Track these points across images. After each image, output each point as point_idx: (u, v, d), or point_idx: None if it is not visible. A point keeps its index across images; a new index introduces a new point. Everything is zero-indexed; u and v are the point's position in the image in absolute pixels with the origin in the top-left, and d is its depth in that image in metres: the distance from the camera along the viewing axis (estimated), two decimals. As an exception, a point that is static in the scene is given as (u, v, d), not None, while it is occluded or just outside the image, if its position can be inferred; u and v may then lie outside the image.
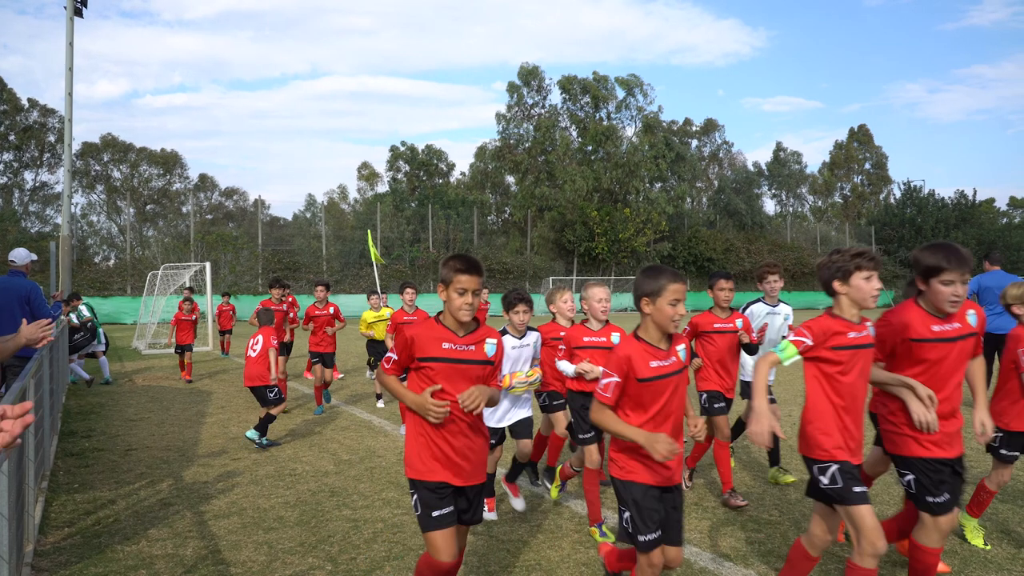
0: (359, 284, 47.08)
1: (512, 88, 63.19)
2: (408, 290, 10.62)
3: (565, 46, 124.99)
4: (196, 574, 4.93)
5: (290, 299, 13.79)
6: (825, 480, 3.83)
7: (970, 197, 71.55)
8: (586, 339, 5.80)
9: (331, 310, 11.68)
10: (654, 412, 3.77)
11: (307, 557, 5.21)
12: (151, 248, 48.05)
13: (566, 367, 5.73)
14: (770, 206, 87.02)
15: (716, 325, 6.80)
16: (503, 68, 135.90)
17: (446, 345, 3.72)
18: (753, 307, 7.44)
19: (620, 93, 62.50)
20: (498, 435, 6.11)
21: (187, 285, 23.61)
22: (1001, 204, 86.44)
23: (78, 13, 22.43)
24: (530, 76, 63.12)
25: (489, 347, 3.83)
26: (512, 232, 60.36)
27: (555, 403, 6.58)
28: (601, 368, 3.96)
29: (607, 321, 5.90)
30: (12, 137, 60.64)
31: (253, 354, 9.05)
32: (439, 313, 3.86)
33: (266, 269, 46.05)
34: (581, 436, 5.75)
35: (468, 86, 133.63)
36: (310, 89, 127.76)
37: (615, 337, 5.76)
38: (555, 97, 64.23)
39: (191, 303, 16.04)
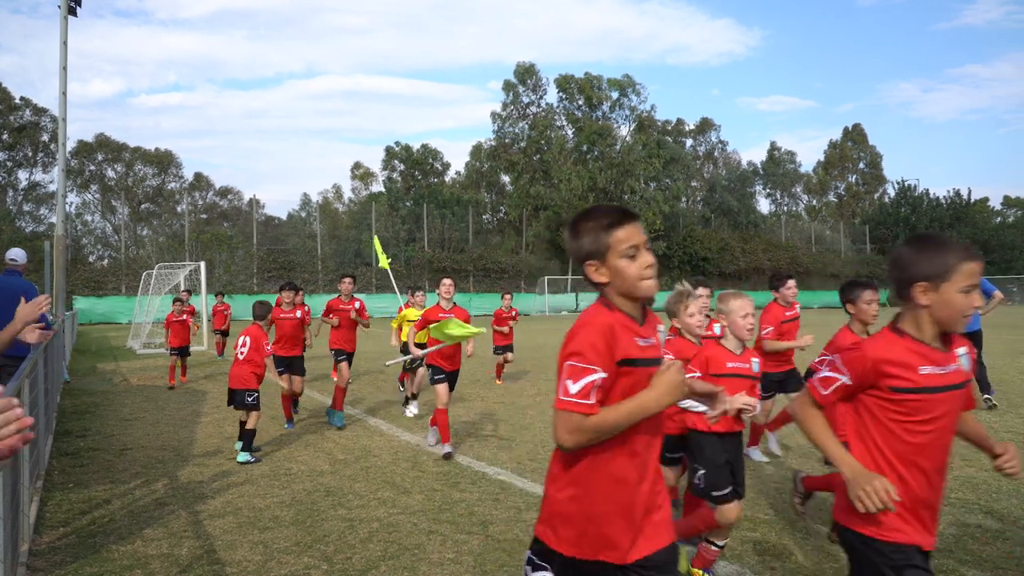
0: (355, 284, 46.96)
1: (508, 86, 63.21)
2: (443, 281, 9.23)
3: (559, 46, 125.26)
4: (191, 574, 4.92)
5: (305, 308, 11.46)
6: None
7: (964, 196, 71.78)
8: (730, 364, 4.57)
9: (356, 305, 10.67)
10: (918, 441, 2.75)
11: (302, 557, 5.20)
12: (146, 247, 48.02)
13: (693, 405, 4.49)
14: (765, 205, 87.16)
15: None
16: (497, 67, 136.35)
17: (638, 341, 2.55)
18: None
19: (614, 94, 62.54)
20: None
21: (183, 288, 23.34)
22: (995, 203, 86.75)
23: (72, 12, 22.32)
24: (526, 74, 63.13)
25: (661, 334, 2.81)
26: (507, 231, 60.40)
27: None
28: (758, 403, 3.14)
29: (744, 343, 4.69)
30: (6, 136, 60.43)
31: (241, 356, 8.42)
32: (601, 299, 2.60)
33: (261, 269, 46.01)
34: (716, 493, 4.51)
35: (462, 85, 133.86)
36: (305, 88, 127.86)
37: (755, 364, 4.66)
38: (551, 96, 64.27)
39: (182, 304, 15.63)
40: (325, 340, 11.88)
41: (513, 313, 14.83)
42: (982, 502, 6.20)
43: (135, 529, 5.80)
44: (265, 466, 7.88)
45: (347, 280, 10.81)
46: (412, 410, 10.83)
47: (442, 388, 8.23)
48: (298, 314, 10.24)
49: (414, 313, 11.34)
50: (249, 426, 8.13)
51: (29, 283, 8.05)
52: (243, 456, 7.98)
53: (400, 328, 12.28)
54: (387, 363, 10.60)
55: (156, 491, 6.94)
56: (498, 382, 14.27)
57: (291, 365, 10.12)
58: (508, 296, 15.48)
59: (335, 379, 13.17)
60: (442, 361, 8.30)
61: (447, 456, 7.95)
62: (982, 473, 7.12)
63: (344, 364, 10.56)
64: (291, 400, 10.23)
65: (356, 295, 11.07)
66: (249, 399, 8.20)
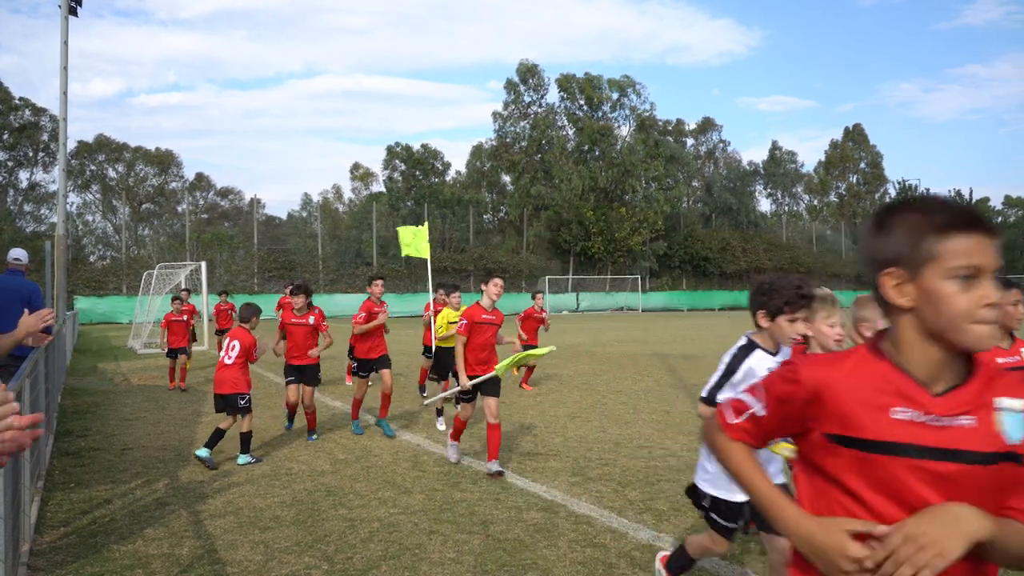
0: (355, 284, 47.03)
1: (510, 86, 63.19)
2: (494, 281, 8.22)
3: (559, 45, 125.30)
4: (192, 573, 4.92)
5: (317, 310, 10.07)
6: None
7: (965, 196, 71.70)
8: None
9: (385, 308, 9.81)
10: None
11: (303, 556, 5.20)
12: (146, 247, 48.02)
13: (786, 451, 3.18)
14: (766, 205, 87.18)
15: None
16: (497, 67, 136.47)
17: (907, 414, 1.63)
18: None
19: (614, 94, 62.56)
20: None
21: (183, 287, 23.05)
22: (996, 203, 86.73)
23: (73, 12, 22.36)
24: (528, 74, 63.11)
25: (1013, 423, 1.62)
26: (508, 231, 60.38)
27: None
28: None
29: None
30: (6, 136, 60.46)
31: (229, 360, 8.18)
32: (878, 337, 1.77)
33: (262, 268, 46.04)
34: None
35: (462, 85, 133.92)
36: (304, 88, 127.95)
37: None
38: (552, 96, 64.29)
39: (181, 302, 14.80)
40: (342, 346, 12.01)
41: (544, 315, 13.72)
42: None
43: (136, 529, 5.81)
44: (266, 466, 7.88)
45: (380, 282, 9.87)
46: (443, 425, 9.67)
47: (491, 401, 7.46)
48: (311, 320, 9.14)
49: (452, 315, 10.30)
50: (243, 429, 8.09)
51: (33, 283, 8.07)
52: (243, 459, 7.98)
53: (429, 329, 11.15)
54: (425, 402, 9.89)
55: (157, 491, 6.95)
56: (526, 387, 13.34)
57: (303, 374, 9.18)
58: (540, 296, 14.32)
59: (351, 383, 13.11)
60: (476, 368, 7.58)
61: (497, 474, 7.23)
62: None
63: (386, 371, 9.57)
64: (295, 409, 9.45)
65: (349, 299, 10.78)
66: (241, 402, 8.09)
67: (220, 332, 19.27)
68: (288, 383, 9.21)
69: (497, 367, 7.33)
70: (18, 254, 8.09)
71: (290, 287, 9.42)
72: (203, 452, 7.92)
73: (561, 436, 9.25)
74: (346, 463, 7.94)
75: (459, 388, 7.48)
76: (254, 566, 5.03)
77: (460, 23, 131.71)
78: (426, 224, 12.82)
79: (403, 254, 12.71)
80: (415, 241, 12.18)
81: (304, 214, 72.65)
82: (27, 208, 63.74)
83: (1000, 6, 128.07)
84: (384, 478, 7.29)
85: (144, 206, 70.42)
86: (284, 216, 73.70)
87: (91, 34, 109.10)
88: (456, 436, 7.75)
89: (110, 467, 7.88)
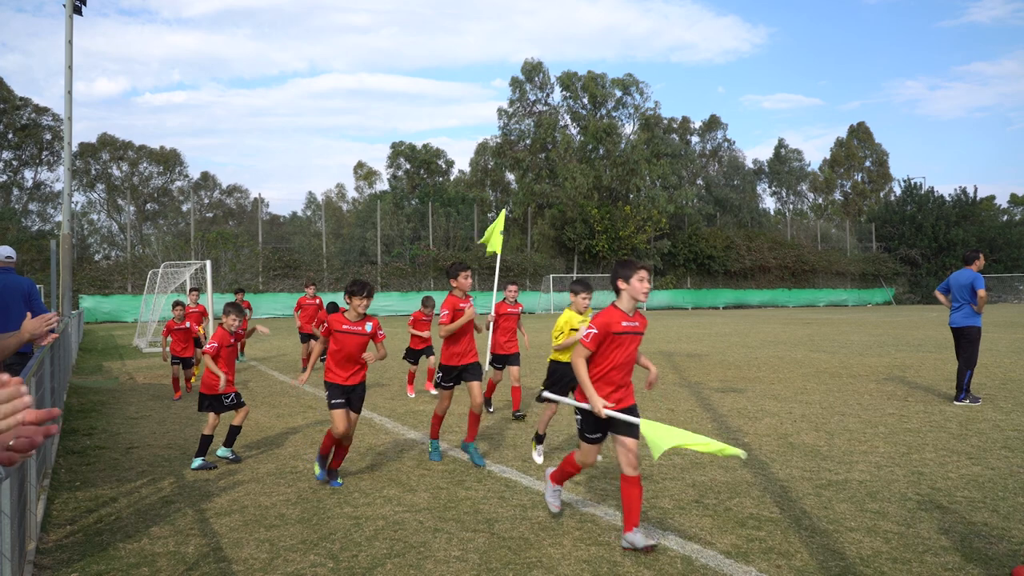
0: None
1: (515, 83, 63.17)
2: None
3: (563, 44, 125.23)
4: (198, 572, 4.93)
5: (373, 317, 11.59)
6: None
7: (970, 194, 71.54)
8: None
9: (471, 303, 8.26)
10: None
11: (308, 554, 5.21)
12: (151, 246, 48.08)
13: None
14: (770, 203, 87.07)
15: None
16: (501, 66, 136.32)
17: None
18: None
19: (617, 92, 62.52)
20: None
21: (192, 286, 22.13)
22: (1002, 201, 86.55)
23: (77, 11, 22.41)
24: (533, 72, 63.09)
25: None
26: (512, 229, 60.32)
27: None
28: None
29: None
30: (11, 136, 60.61)
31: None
32: None
33: (266, 267, 46.10)
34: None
35: (466, 84, 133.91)
36: (309, 87, 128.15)
37: None
38: (556, 94, 64.27)
39: (183, 308, 13.34)
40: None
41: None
42: (988, 500, 6.19)
43: (142, 527, 5.82)
44: (271, 464, 7.90)
45: (467, 272, 8.11)
46: (537, 457, 8.00)
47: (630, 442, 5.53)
48: (367, 328, 7.10)
49: (576, 318, 8.22)
50: (236, 422, 8.05)
51: (29, 280, 8.10)
52: (223, 451, 8.01)
53: (525, 335, 10.25)
54: (544, 393, 6.83)
55: (162, 489, 6.96)
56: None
57: (353, 396, 7.17)
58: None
59: (412, 395, 12.42)
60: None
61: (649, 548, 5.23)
62: (988, 471, 7.11)
63: (476, 384, 7.87)
64: (344, 448, 7.17)
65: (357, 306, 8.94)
66: (227, 401, 8.04)
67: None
68: (334, 407, 7.01)
69: (677, 442, 4.95)
70: (8, 252, 8.12)
71: (351, 284, 7.20)
72: (222, 451, 8.03)
73: (565, 434, 9.25)
74: (351, 461, 7.94)
75: (577, 406, 5.61)
76: (260, 564, 5.04)
77: (464, 21, 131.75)
78: (502, 213, 11.85)
79: (488, 252, 12.33)
80: (491, 233, 11.61)
81: (308, 213, 72.74)
82: (32, 207, 63.95)
83: (1007, 3, 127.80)
84: (389, 476, 7.30)
85: (148, 205, 70.58)
86: (288, 215, 73.87)
87: (95, 33, 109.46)
88: (562, 479, 5.92)
89: (116, 466, 7.90)
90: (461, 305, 7.92)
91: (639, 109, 63.35)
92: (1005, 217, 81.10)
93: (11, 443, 1.55)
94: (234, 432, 8.08)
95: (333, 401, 7.04)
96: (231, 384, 8.12)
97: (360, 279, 7.43)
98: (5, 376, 1.51)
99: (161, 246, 46.22)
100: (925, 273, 67.20)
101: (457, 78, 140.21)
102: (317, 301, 16.26)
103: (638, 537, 5.15)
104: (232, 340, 8.27)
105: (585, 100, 62.78)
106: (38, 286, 8.20)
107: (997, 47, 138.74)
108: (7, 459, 1.54)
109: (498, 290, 10.35)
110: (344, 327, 7.05)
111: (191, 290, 16.88)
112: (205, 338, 14.19)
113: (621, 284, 5.47)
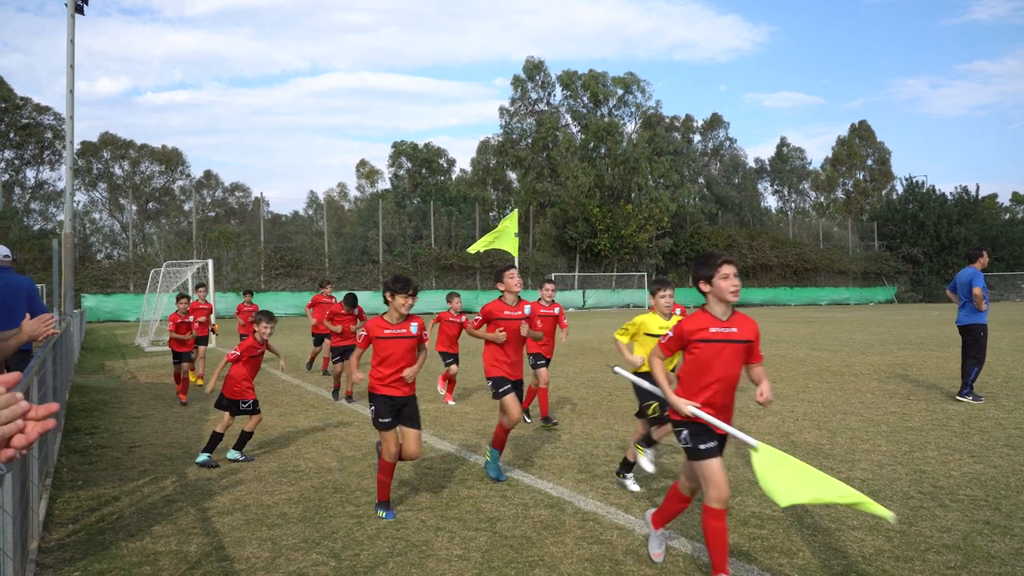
0: (361, 281, 47.08)
1: (517, 82, 63.16)
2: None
3: (564, 42, 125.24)
4: (200, 570, 4.93)
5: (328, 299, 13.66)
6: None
7: (972, 193, 71.44)
8: None
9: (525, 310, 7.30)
10: None
11: (310, 553, 5.21)
12: (153, 245, 48.13)
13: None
14: (772, 202, 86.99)
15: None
16: (503, 65, 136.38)
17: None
18: None
19: (618, 91, 62.49)
20: None
21: (193, 284, 20.94)
22: (1004, 200, 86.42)
23: (79, 10, 22.42)
24: (535, 71, 63.08)
25: None
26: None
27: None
28: None
29: None
30: (12, 135, 60.66)
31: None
32: None
33: (268, 266, 46.13)
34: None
35: (467, 83, 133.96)
36: (310, 86, 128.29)
37: None
38: (558, 93, 64.25)
39: (187, 301, 12.96)
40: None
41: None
42: (990, 499, 6.18)
43: (144, 526, 5.82)
44: (273, 463, 7.90)
45: (513, 271, 7.24)
46: (647, 464, 6.75)
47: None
48: (413, 329, 6.19)
49: (656, 322, 6.83)
50: (247, 428, 8.10)
51: (29, 279, 8.11)
52: (232, 453, 8.03)
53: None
54: (615, 368, 5.76)
55: (165, 488, 6.97)
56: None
57: (404, 411, 6.20)
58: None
59: (452, 402, 11.56)
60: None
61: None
62: (990, 470, 7.10)
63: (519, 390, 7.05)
64: (391, 471, 6.16)
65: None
66: (243, 406, 8.10)
67: (245, 336, 17.60)
68: (383, 427, 6.09)
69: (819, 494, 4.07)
70: (4, 251, 8.11)
71: (392, 281, 6.19)
72: (232, 454, 8.03)
73: (567, 433, 9.24)
74: (353, 460, 7.94)
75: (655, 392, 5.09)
76: (262, 563, 5.04)
77: (465, 20, 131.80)
78: (514, 213, 11.57)
79: (486, 247, 11.92)
80: (498, 235, 11.39)
81: (310, 212, 72.78)
82: (34, 206, 64.01)
83: (1008, 2, 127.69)
84: (391, 475, 7.29)
85: (150, 204, 70.64)
86: (290, 214, 73.93)
87: (97, 32, 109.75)
88: (664, 520, 5.04)
89: (118, 464, 7.90)
90: (507, 313, 6.91)
91: (641, 108, 63.33)
92: (1007, 215, 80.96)
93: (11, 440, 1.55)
94: (245, 437, 8.09)
95: (381, 420, 6.07)
96: (251, 391, 8.16)
97: (402, 275, 6.44)
98: (2, 387, 1.50)
99: (163, 245, 46.26)
100: (927, 272, 67.13)
101: (458, 77, 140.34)
102: (333, 300, 15.68)
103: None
104: (260, 349, 8.26)
105: (586, 99, 62.74)
106: (40, 285, 8.20)
107: (999, 45, 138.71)
108: (5, 457, 1.54)
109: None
110: (386, 332, 6.11)
111: (198, 286, 16.30)
112: (214, 333, 14.08)
113: (703, 286, 4.60)
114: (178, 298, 12.98)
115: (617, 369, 5.68)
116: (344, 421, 10.28)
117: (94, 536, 5.62)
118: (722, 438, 4.55)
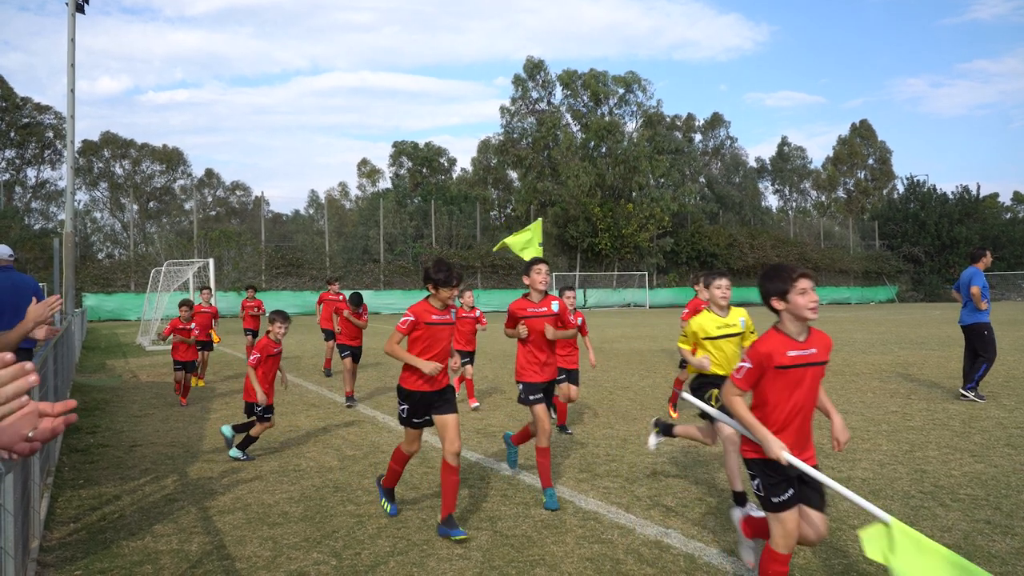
0: (362, 280, 47.09)
1: (518, 81, 63.14)
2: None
3: (565, 42, 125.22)
4: (201, 569, 4.94)
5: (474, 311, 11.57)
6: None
7: (973, 192, 71.38)
8: None
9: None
10: None
11: (311, 552, 5.21)
12: (154, 244, 48.16)
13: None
14: (773, 201, 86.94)
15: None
16: (504, 64, 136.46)
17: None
18: None
19: (619, 90, 62.45)
20: None
21: (203, 284, 20.24)
22: (1005, 199, 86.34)
23: (80, 9, 22.42)
24: (535, 70, 63.04)
25: None
26: (515, 228, 60.28)
27: None
28: None
29: None
30: (13, 134, 60.67)
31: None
32: None
33: (269, 265, 46.15)
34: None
35: (469, 82, 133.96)
36: (311, 85, 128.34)
37: None
38: (558, 93, 64.23)
39: (190, 307, 12.34)
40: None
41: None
42: (991, 498, 6.18)
43: (145, 525, 5.83)
44: (274, 462, 7.90)
45: (543, 267, 6.75)
46: (652, 443, 6.52)
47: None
48: (452, 316, 5.97)
49: (713, 321, 6.10)
50: (253, 433, 8.12)
51: (33, 280, 8.11)
52: (234, 452, 8.06)
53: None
54: (683, 394, 5.28)
55: (166, 487, 6.97)
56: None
57: (434, 406, 5.80)
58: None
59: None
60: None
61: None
62: (991, 469, 7.10)
63: (546, 407, 6.49)
64: (405, 462, 6.02)
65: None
66: (257, 409, 8.12)
67: (248, 332, 17.18)
68: (414, 425, 5.85)
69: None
70: (7, 251, 8.11)
71: (435, 271, 5.78)
72: (233, 452, 8.04)
73: (568, 432, 9.24)
74: (354, 459, 7.95)
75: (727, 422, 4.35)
76: (263, 562, 5.05)
77: (466, 19, 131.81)
78: (538, 223, 11.39)
79: (516, 250, 11.66)
80: (531, 239, 11.21)
81: (311, 211, 72.79)
82: (35, 205, 64.01)
83: (1009, 0, 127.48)
84: (392, 474, 7.29)
85: (151, 204, 70.64)
86: (291, 213, 73.93)
87: (98, 31, 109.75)
88: (755, 532, 4.68)
89: (119, 464, 7.91)
90: (530, 310, 6.52)
91: (642, 107, 63.29)
92: (1008, 215, 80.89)
93: (30, 433, 1.54)
94: (249, 441, 8.11)
95: (415, 420, 5.77)
96: (270, 393, 8.15)
97: (442, 260, 5.90)
98: (9, 356, 1.48)
99: (164, 244, 46.28)
100: (928, 271, 67.10)
101: (459, 76, 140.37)
102: (340, 298, 15.01)
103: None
104: (276, 348, 8.23)
105: (586, 98, 62.70)
106: (41, 284, 8.22)
107: (999, 45, 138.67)
108: (28, 449, 1.53)
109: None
110: (434, 318, 5.75)
111: (202, 288, 15.76)
112: (205, 346, 13.65)
113: (776, 303, 3.98)
114: (181, 304, 12.42)
115: (686, 395, 5.13)
116: (345, 420, 10.28)
117: (95, 535, 5.62)
118: (799, 485, 3.97)
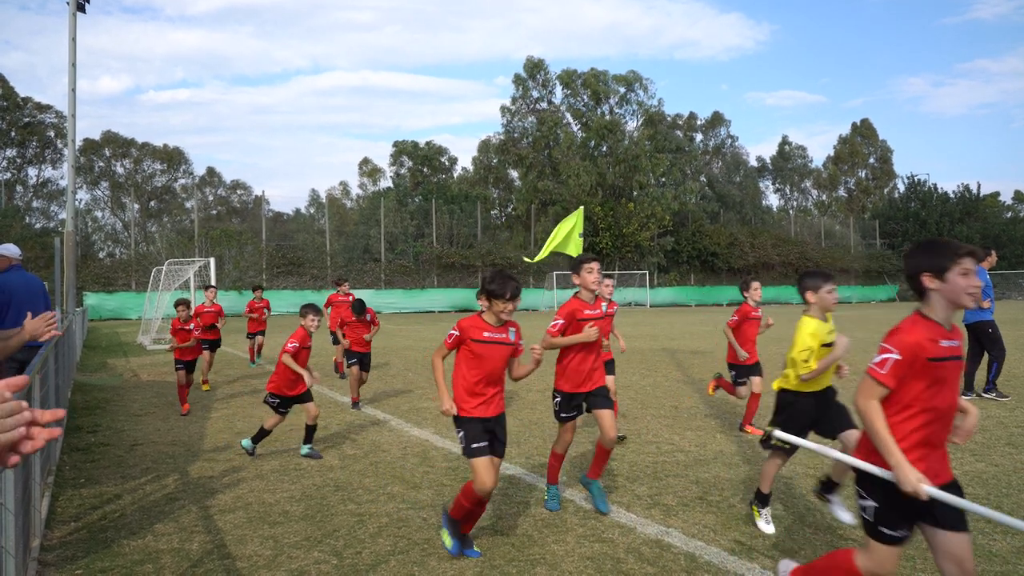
0: (363, 280, 47.09)
1: (518, 80, 63.12)
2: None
3: (566, 41, 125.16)
4: (202, 568, 4.94)
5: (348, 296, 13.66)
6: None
7: (974, 191, 71.36)
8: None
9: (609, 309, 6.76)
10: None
11: (312, 551, 5.22)
12: (155, 243, 48.16)
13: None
14: (774, 200, 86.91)
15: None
16: (505, 63, 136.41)
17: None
18: None
19: (620, 89, 62.42)
20: None
21: (207, 283, 20.08)
22: (1006, 198, 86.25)
23: (80, 9, 22.40)
24: (535, 69, 63.03)
25: None
26: (515, 227, 60.40)
27: None
28: None
29: None
30: (13, 134, 60.69)
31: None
32: None
33: (270, 265, 46.14)
34: None
35: (469, 81, 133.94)
36: (312, 85, 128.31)
37: None
38: (558, 92, 64.22)
39: (186, 306, 11.75)
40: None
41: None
42: (991, 497, 6.18)
43: (146, 524, 5.83)
44: (275, 461, 7.91)
45: (595, 266, 6.08)
46: (843, 515, 5.51)
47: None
48: (511, 335, 5.34)
49: (823, 328, 5.85)
50: (267, 426, 8.15)
51: (39, 280, 8.13)
52: (245, 442, 8.10)
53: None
54: (776, 433, 4.45)
55: (167, 486, 6.97)
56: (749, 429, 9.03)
57: (497, 432, 5.23)
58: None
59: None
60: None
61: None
62: (991, 468, 7.10)
63: (607, 412, 5.99)
64: (483, 508, 5.24)
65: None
66: (272, 401, 8.18)
67: (251, 336, 16.91)
68: (475, 452, 5.04)
69: None
70: (16, 250, 8.11)
71: (490, 280, 5.17)
72: (245, 443, 8.13)
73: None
74: (355, 458, 7.95)
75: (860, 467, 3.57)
76: (263, 561, 5.05)
77: (467, 18, 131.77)
78: (580, 211, 10.94)
79: (551, 250, 11.27)
80: (571, 231, 10.80)
81: (312, 210, 72.80)
82: (36, 204, 64.03)
83: (1009, 0, 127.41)
84: (393, 473, 7.30)
85: (152, 203, 70.65)
86: (292, 212, 73.94)
87: (99, 31, 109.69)
88: None
89: (120, 463, 7.91)
90: (587, 312, 5.94)
91: (643, 106, 63.25)
92: (1009, 214, 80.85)
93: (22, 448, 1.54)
94: (263, 434, 8.12)
95: (473, 445, 4.99)
96: (301, 382, 8.14)
97: (502, 272, 5.18)
98: (8, 393, 1.49)
99: (165, 243, 46.29)
100: (929, 270, 66.98)
101: (460, 75, 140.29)
102: (350, 298, 14.12)
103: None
104: (309, 341, 8.29)
105: (586, 97, 62.66)
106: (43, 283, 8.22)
107: (1000, 44, 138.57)
108: (11, 462, 1.53)
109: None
110: (486, 335, 5.14)
111: (207, 287, 15.34)
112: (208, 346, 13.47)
113: (929, 280, 3.41)
114: (177, 304, 11.93)
115: (778, 433, 4.35)
116: (346, 420, 10.29)
117: (96, 534, 5.63)
118: (916, 518, 3.38)
